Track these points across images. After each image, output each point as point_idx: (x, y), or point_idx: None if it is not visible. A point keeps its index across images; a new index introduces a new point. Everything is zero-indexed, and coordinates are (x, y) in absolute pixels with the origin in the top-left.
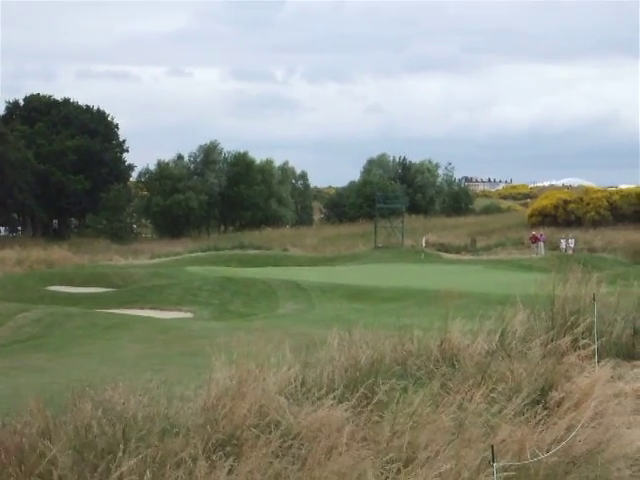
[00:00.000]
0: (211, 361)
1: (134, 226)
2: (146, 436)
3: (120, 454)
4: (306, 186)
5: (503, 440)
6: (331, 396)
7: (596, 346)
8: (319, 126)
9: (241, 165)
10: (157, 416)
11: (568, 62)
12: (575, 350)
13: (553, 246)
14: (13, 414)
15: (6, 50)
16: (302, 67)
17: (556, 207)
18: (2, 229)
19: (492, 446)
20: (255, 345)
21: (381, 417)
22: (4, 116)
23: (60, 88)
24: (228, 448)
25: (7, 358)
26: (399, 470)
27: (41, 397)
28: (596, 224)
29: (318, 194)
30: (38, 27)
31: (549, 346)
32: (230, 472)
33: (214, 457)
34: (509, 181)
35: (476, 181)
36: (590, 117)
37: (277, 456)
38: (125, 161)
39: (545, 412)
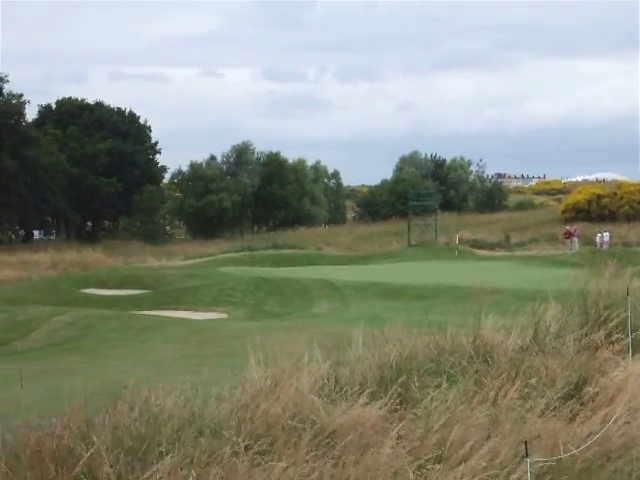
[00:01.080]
0: (246, 361)
1: (167, 227)
2: (182, 436)
3: (157, 454)
4: (339, 185)
5: (538, 436)
6: (364, 394)
7: (630, 340)
8: (351, 125)
9: (273, 165)
10: (193, 416)
11: (599, 56)
12: (609, 345)
13: (587, 241)
14: (50, 416)
15: (38, 54)
16: (333, 66)
17: (589, 202)
18: (36, 232)
19: (525, 442)
20: (289, 345)
21: (415, 414)
22: (37, 120)
23: (92, 91)
24: (263, 447)
25: (42, 361)
26: (434, 467)
27: (78, 399)
28: (630, 218)
29: (351, 193)
30: (69, 30)
31: (583, 341)
32: (265, 470)
33: (249, 456)
34: (542, 177)
35: (509, 177)
36: (622, 111)
37: (312, 454)
38: (158, 163)
39: (579, 407)
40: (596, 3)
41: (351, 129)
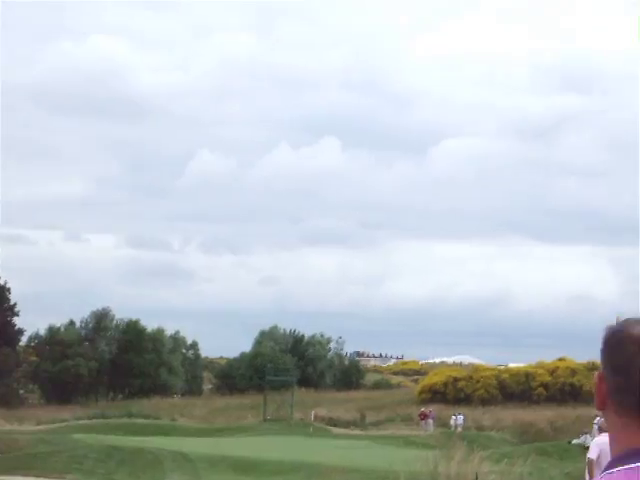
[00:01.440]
0: None
1: (21, 391)
2: None
3: None
4: (197, 355)
5: None
6: None
7: None
8: (213, 296)
9: (132, 333)
10: None
11: (462, 240)
12: None
13: (442, 423)
14: None
15: None
16: (199, 236)
17: (446, 384)
18: None
19: None
20: None
21: None
22: None
23: None
24: None
25: None
26: None
27: None
28: (485, 402)
29: (209, 364)
30: None
31: None
32: None
33: None
34: (400, 357)
35: (367, 356)
36: (482, 295)
37: None
38: (15, 325)
39: None
40: (459, 189)
41: (213, 300)
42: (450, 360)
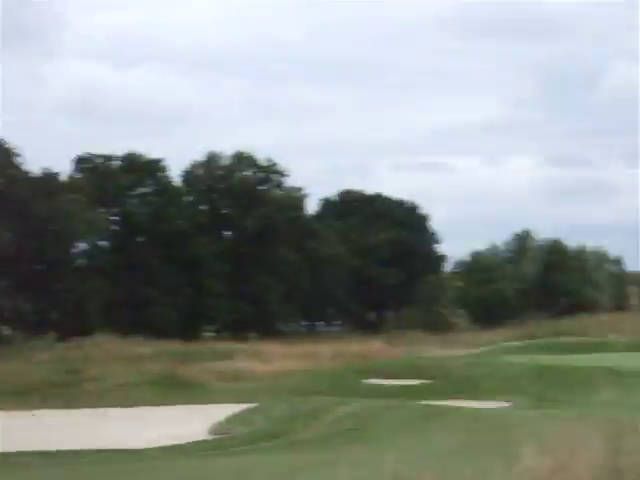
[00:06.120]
0: (524, 450)
1: (449, 317)
2: None
3: None
4: (622, 271)
5: None
6: None
7: None
8: (635, 210)
9: (555, 252)
10: None
11: None
12: None
13: None
14: None
15: (322, 147)
16: (618, 150)
17: None
18: (319, 324)
19: None
20: (569, 433)
21: None
22: (319, 213)
23: (372, 182)
24: None
25: (326, 450)
26: None
27: None
28: None
29: (635, 278)
30: (352, 123)
31: None
32: None
33: None
34: None
35: None
36: None
37: None
38: (437, 252)
39: None
40: None
41: (635, 214)
42: None
